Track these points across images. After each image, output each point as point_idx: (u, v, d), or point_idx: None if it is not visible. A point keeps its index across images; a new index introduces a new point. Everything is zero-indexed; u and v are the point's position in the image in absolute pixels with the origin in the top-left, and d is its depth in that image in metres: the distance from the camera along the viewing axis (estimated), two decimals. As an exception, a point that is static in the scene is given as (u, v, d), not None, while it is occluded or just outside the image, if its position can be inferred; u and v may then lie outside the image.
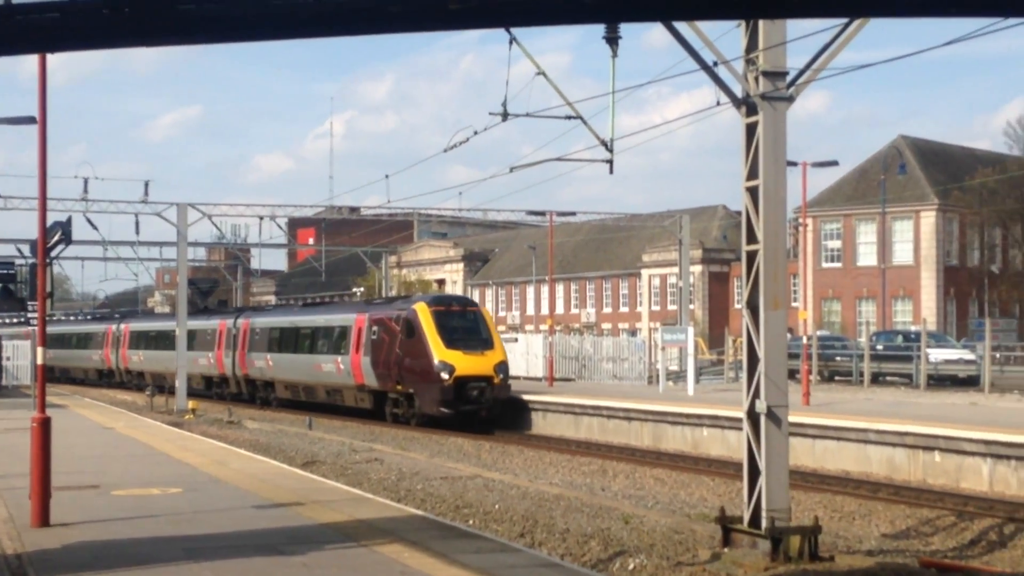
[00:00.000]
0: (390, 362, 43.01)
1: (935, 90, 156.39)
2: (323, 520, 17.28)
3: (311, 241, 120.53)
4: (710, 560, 17.42)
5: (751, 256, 17.45)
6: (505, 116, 28.65)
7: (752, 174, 17.20)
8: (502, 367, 41.80)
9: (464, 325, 42.75)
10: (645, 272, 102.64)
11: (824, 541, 18.29)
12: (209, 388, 61.18)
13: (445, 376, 40.60)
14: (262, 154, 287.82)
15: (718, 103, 17.39)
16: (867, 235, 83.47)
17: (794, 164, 59.85)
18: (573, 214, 64.09)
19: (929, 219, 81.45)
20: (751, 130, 17.10)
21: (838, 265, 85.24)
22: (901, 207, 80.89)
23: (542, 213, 62.77)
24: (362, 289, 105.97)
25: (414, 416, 42.21)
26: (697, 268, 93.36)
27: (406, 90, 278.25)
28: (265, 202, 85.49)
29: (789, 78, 16.78)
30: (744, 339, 17.93)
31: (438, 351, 41.06)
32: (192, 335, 58.64)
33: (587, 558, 17.67)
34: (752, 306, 17.44)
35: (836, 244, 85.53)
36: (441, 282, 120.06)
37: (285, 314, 57.51)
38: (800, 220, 62.41)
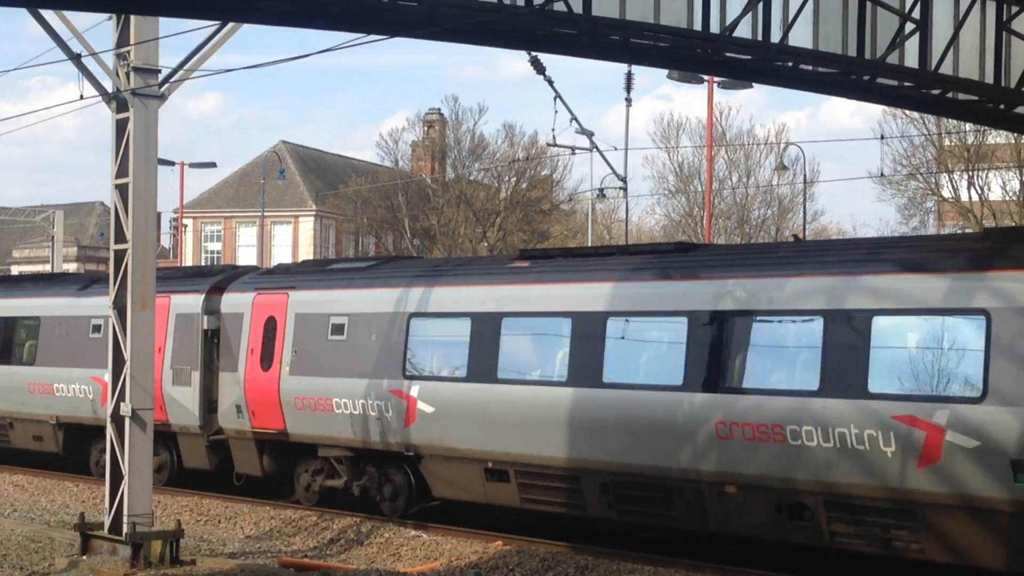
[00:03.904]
0: None
1: (324, 98, 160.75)
2: None
3: None
4: (67, 568, 16.90)
5: (119, 255, 17.11)
6: None
7: (122, 171, 16.87)
8: None
9: None
10: (16, 268, 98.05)
11: (188, 545, 18.22)
12: None
13: None
14: None
15: (81, 96, 16.88)
16: (248, 237, 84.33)
17: (171, 163, 59.71)
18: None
19: (308, 224, 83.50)
20: (122, 126, 16.76)
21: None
22: (281, 211, 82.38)
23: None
24: None
25: None
26: (72, 266, 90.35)
27: None
28: None
29: (162, 76, 16.58)
30: (110, 341, 17.49)
31: None
32: None
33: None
34: (119, 306, 17.08)
35: (217, 246, 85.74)
36: None
37: None
38: (179, 221, 62.19)
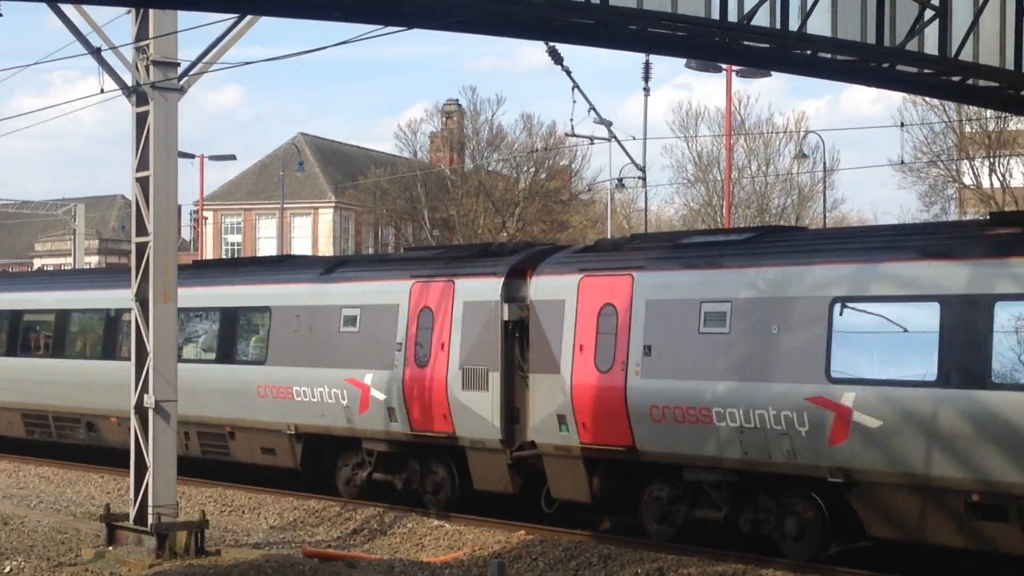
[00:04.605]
0: None
1: (342, 90, 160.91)
2: None
3: None
4: (93, 559, 17.00)
5: (141, 248, 17.21)
6: None
7: (143, 164, 16.95)
8: None
9: None
10: (38, 262, 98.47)
11: (212, 535, 18.31)
12: None
13: None
14: None
15: (102, 90, 17.01)
16: (268, 229, 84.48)
17: (191, 156, 59.81)
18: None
19: (327, 216, 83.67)
20: (142, 119, 16.85)
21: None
22: (300, 203, 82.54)
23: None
24: None
25: None
26: (94, 259, 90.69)
27: None
28: None
29: (181, 69, 16.66)
30: (133, 333, 17.60)
31: None
32: None
33: (-43, 565, 16.68)
34: (141, 299, 17.19)
35: (237, 238, 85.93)
36: None
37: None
38: (199, 213, 62.35)
